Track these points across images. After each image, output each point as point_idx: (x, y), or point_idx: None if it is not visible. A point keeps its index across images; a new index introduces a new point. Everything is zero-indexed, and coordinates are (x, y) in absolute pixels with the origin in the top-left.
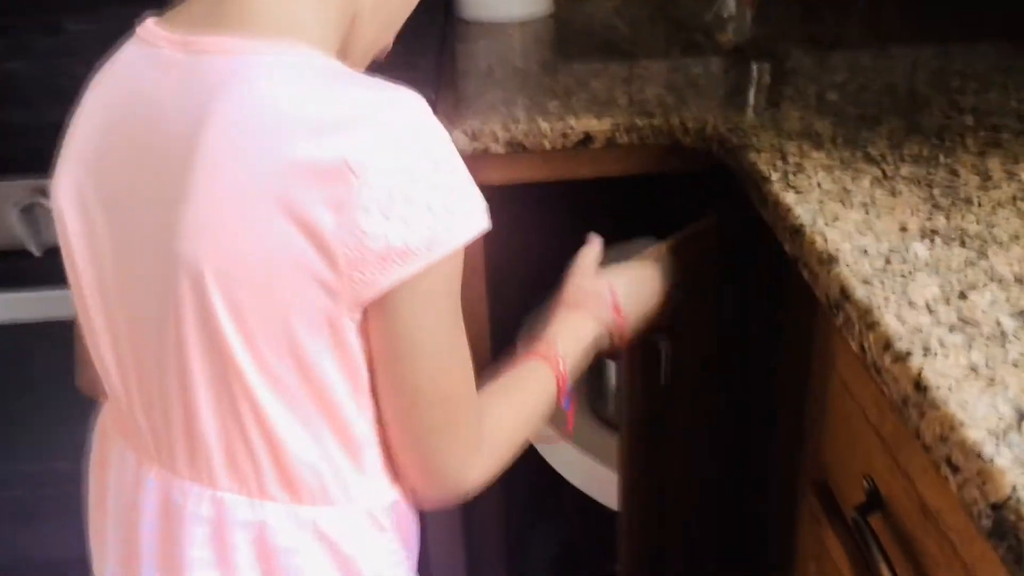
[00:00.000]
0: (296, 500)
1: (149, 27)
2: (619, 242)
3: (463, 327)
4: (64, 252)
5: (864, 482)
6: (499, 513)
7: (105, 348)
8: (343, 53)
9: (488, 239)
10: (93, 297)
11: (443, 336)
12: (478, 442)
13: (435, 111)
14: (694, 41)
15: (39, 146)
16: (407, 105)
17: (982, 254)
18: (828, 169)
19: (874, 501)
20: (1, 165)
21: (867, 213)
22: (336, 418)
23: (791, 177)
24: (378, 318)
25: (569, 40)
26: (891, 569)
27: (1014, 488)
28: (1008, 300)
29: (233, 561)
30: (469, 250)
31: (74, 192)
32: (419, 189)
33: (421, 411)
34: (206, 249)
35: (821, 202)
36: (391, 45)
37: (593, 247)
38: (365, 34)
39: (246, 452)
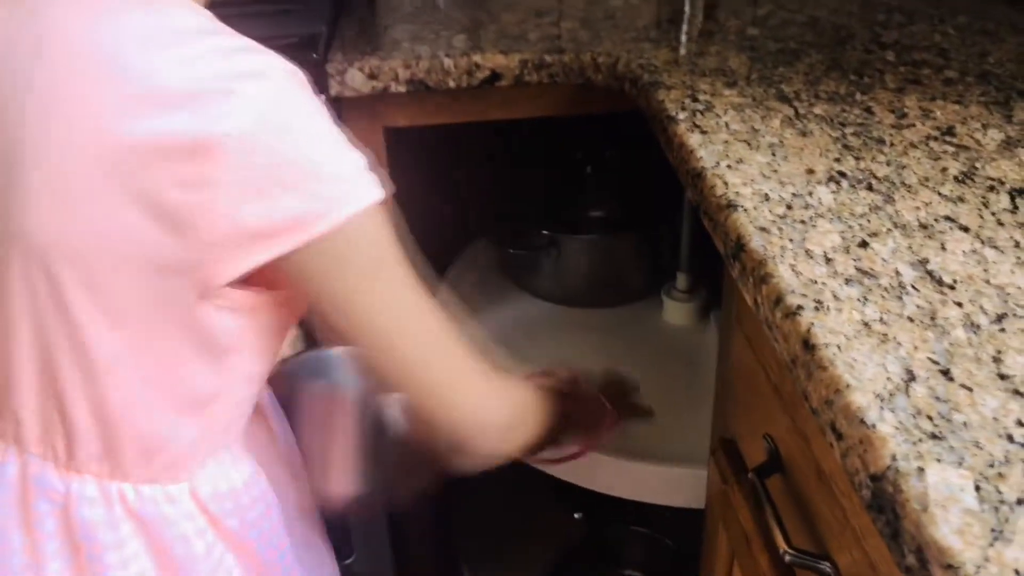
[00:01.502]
0: (111, 474)
1: None
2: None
3: (412, 282)
4: None
5: (765, 442)
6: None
7: None
8: None
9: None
10: None
11: (387, 299)
12: (484, 378)
13: (329, 47)
14: None
15: None
16: (271, 75)
17: (889, 198)
18: (739, 108)
19: (775, 462)
20: None
21: (773, 155)
22: (177, 397)
23: (698, 117)
24: (315, 296)
25: None
26: (784, 533)
27: (894, 457)
28: (910, 248)
29: (37, 528)
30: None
31: None
32: (281, 168)
33: (410, 367)
34: (42, 224)
35: (726, 143)
36: None
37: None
38: None
39: (60, 418)
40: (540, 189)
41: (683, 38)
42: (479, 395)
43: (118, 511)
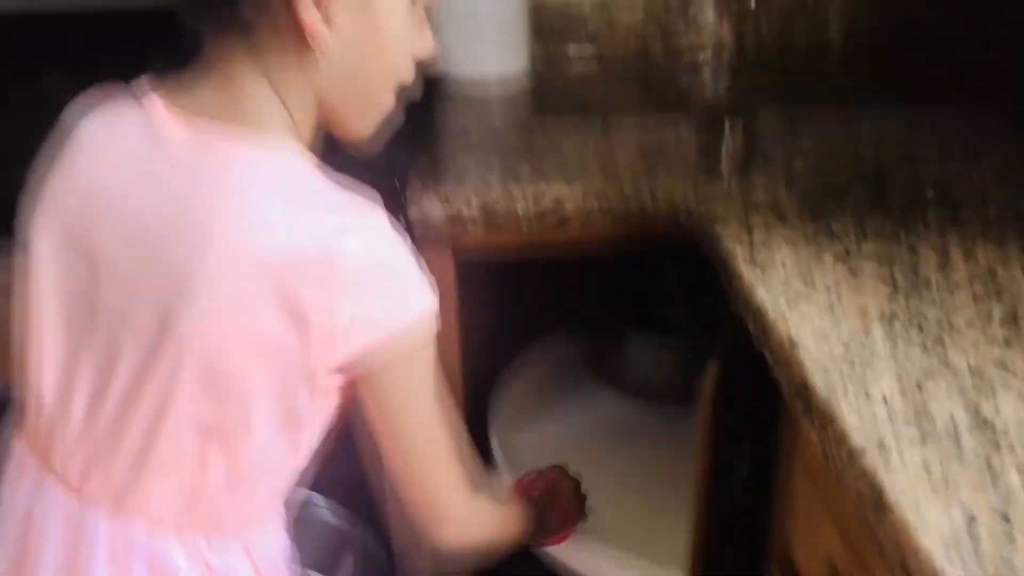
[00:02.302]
0: (192, 529)
1: (155, 103)
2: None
3: (438, 390)
4: (23, 277)
5: (826, 566)
6: None
7: (48, 367)
8: (332, 125)
9: (462, 309)
10: (51, 327)
11: (420, 396)
12: (460, 484)
13: (409, 175)
14: (668, 103)
15: None
16: (370, 209)
17: (939, 341)
18: (792, 244)
19: None
20: None
21: (829, 294)
22: (258, 468)
23: (755, 253)
24: (366, 385)
25: (544, 101)
26: None
27: None
28: (962, 392)
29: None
30: (443, 320)
31: (53, 233)
32: (381, 276)
33: (409, 453)
34: (203, 325)
35: (784, 281)
36: (392, 103)
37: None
38: (340, 111)
39: (168, 484)
40: (620, 283)
41: (727, 171)
42: (463, 501)
43: (197, 561)
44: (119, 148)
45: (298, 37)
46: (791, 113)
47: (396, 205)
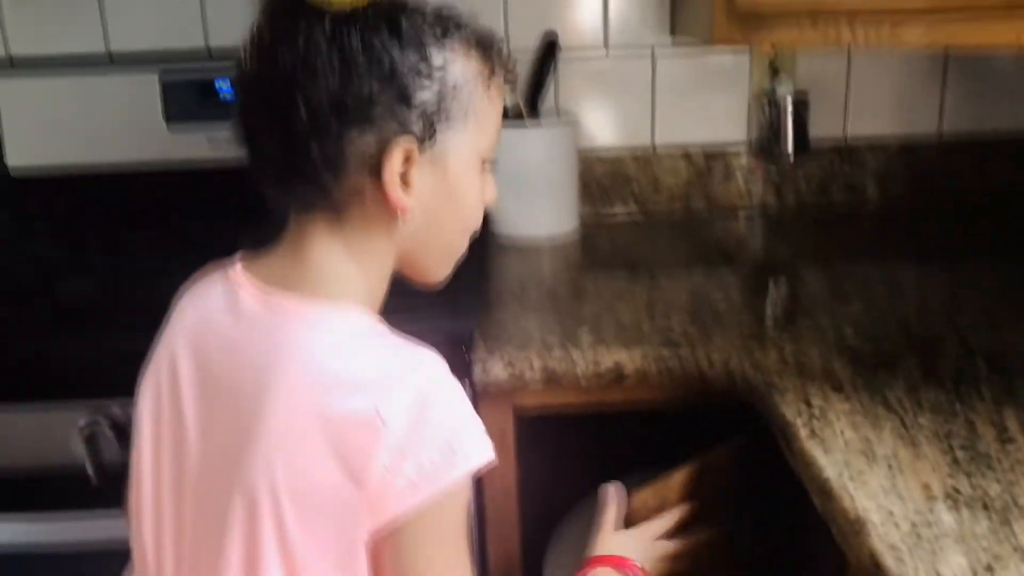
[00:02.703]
0: None
1: (238, 272)
2: (645, 471)
3: (466, 551)
4: (135, 453)
5: None
6: None
7: (147, 521)
8: (411, 273)
9: (521, 463)
10: (149, 484)
11: (449, 556)
12: None
13: (474, 338)
14: (712, 258)
15: (102, 369)
16: (425, 365)
17: (1005, 521)
18: (850, 416)
19: None
20: (65, 388)
21: (890, 469)
22: None
23: (816, 426)
24: (391, 541)
25: (596, 260)
26: None
27: None
28: None
29: None
30: (502, 473)
31: (148, 394)
32: (432, 434)
33: None
34: (267, 472)
35: (846, 458)
36: (465, 248)
37: (613, 504)
38: (420, 263)
39: None
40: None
41: (776, 334)
42: None
43: None
44: (205, 316)
45: (383, 208)
46: (832, 271)
47: (461, 367)
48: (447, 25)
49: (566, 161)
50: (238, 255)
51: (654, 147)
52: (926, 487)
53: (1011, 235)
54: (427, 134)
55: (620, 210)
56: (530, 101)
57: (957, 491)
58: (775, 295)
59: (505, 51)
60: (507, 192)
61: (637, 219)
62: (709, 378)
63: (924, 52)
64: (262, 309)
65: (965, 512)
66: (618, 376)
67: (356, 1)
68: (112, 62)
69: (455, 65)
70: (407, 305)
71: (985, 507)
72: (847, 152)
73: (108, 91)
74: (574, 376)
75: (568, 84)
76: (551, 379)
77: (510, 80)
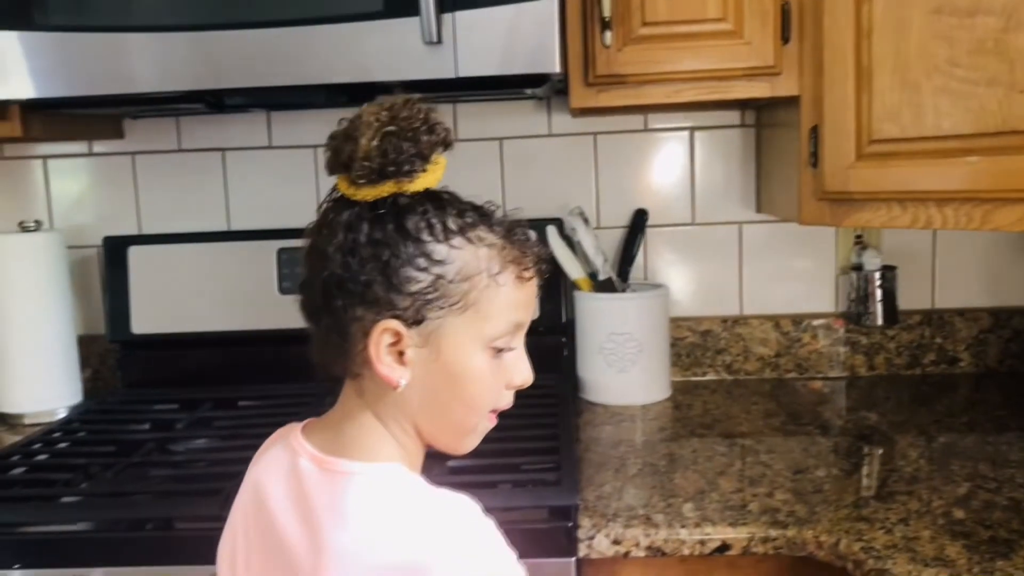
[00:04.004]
0: None
1: (299, 439)
2: None
3: None
4: None
5: None
6: None
7: None
8: (433, 444)
9: None
10: None
11: None
12: None
13: (577, 511)
14: (809, 429)
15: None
16: (461, 513)
17: None
18: None
19: None
20: (188, 552)
21: None
22: None
23: None
24: None
25: (690, 426)
26: None
27: None
28: None
29: None
30: None
31: (227, 559)
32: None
33: None
34: None
35: None
36: (486, 418)
37: None
38: (433, 435)
39: None
40: None
41: (880, 509)
42: None
43: None
44: (271, 476)
45: (384, 380)
46: (928, 440)
47: (566, 543)
48: (463, 220)
49: (654, 326)
50: (303, 423)
51: (743, 314)
52: None
53: None
54: (416, 317)
55: (711, 377)
56: (620, 270)
57: None
58: (872, 465)
59: (532, 243)
60: (596, 365)
61: (726, 382)
62: (814, 554)
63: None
64: (316, 474)
65: None
66: (720, 549)
67: (376, 194)
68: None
69: (459, 258)
70: (498, 468)
71: None
72: (938, 320)
73: (229, 260)
74: (676, 549)
75: (655, 251)
76: (654, 552)
77: (539, 270)
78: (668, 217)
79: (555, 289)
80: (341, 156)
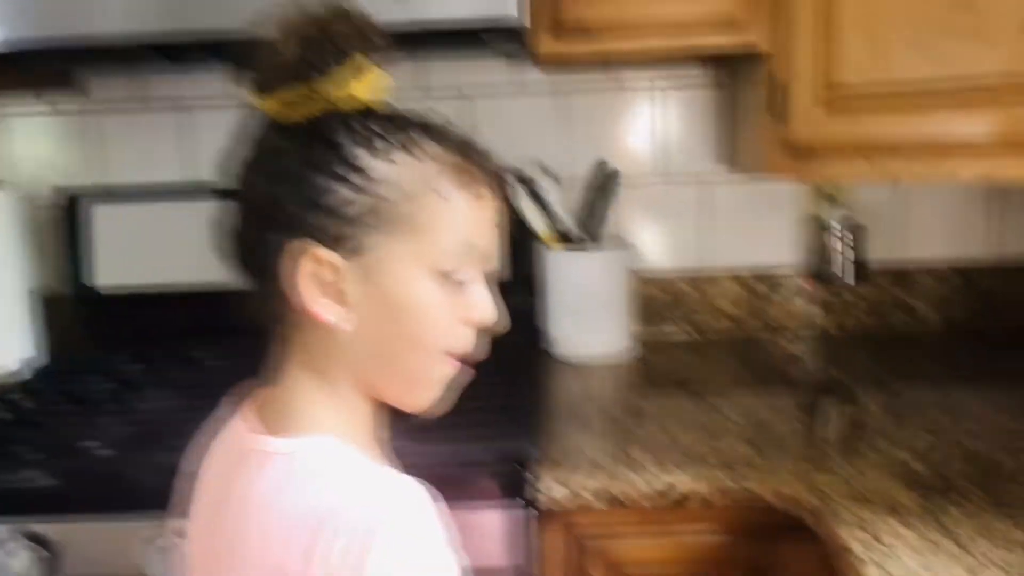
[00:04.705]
0: None
1: (246, 410)
2: None
3: None
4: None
5: None
6: None
7: None
8: (387, 400)
9: None
10: None
11: None
12: None
13: (531, 458)
14: (766, 379)
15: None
16: (403, 492)
17: None
18: (912, 546)
19: None
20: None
21: None
22: None
23: (878, 555)
24: None
25: (648, 376)
26: None
27: None
28: None
29: None
30: None
31: (189, 530)
32: (391, 557)
33: None
34: None
35: None
36: (445, 363)
37: None
38: (385, 389)
39: None
40: None
41: (836, 457)
42: None
43: None
44: (219, 444)
45: (321, 325)
46: (890, 394)
47: (517, 487)
48: (406, 135)
49: (619, 283)
50: (259, 382)
51: (708, 269)
52: None
53: None
54: (354, 246)
55: (673, 330)
56: (587, 226)
57: None
58: (834, 419)
59: (488, 159)
60: (559, 313)
61: (693, 340)
62: (772, 504)
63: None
64: (237, 451)
65: None
66: (679, 500)
67: (306, 112)
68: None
69: (401, 176)
70: (460, 423)
71: None
72: (903, 276)
73: (193, 215)
74: (634, 500)
75: (624, 209)
76: (612, 503)
77: (497, 190)
78: (637, 175)
79: (522, 245)
80: (260, 71)
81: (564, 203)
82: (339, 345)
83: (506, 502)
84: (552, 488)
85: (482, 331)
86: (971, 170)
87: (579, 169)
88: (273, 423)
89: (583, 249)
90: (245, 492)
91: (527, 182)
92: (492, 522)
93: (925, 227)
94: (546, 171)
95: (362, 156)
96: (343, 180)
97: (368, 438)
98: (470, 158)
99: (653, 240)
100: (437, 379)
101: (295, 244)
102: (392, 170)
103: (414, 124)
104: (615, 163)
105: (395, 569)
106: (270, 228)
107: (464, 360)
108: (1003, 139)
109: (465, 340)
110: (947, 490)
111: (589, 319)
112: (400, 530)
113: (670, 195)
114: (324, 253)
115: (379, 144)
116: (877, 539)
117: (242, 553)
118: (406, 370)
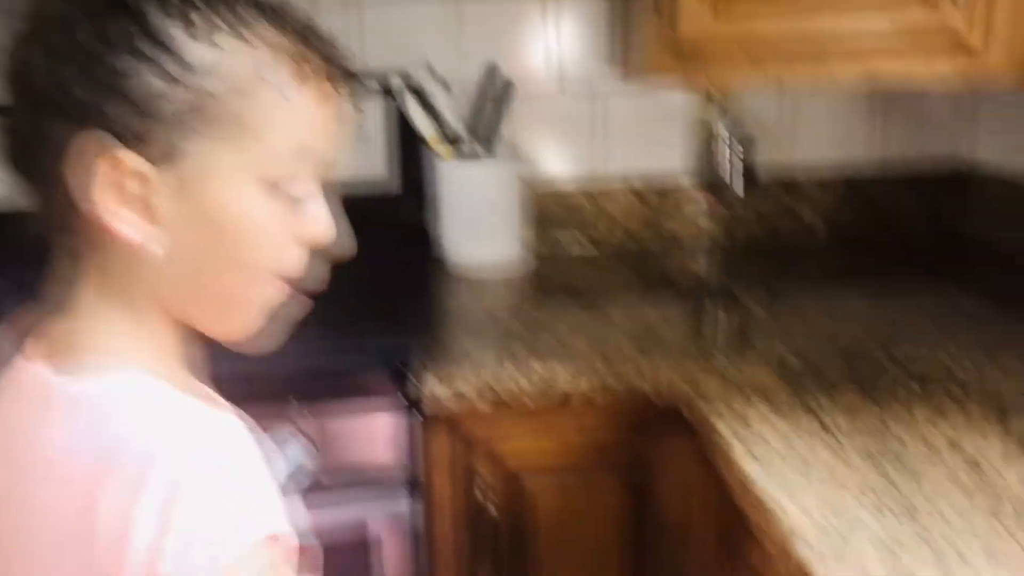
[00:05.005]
0: None
1: (31, 345)
2: None
3: None
4: None
5: None
6: None
7: None
8: (201, 328)
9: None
10: None
11: None
12: None
13: (410, 356)
14: (658, 285)
15: None
16: (216, 425)
17: (924, 528)
18: (785, 435)
19: None
20: None
21: (822, 485)
22: None
23: (751, 443)
24: None
25: (540, 284)
26: None
27: None
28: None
29: None
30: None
31: None
32: (199, 498)
33: None
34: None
35: (779, 473)
36: (271, 285)
37: None
38: (196, 312)
39: None
40: None
41: (717, 354)
42: None
43: None
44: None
45: (125, 247)
46: (774, 298)
47: (398, 386)
48: (234, 15)
49: (513, 193)
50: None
51: (603, 180)
52: (857, 501)
53: (948, 262)
54: (167, 150)
55: (567, 238)
56: (480, 135)
57: (886, 507)
58: (718, 322)
59: (334, 48)
60: (449, 217)
61: (588, 252)
62: (652, 399)
63: (863, 88)
64: (31, 391)
65: (890, 518)
66: (563, 399)
67: None
68: None
69: (228, 64)
70: (347, 327)
71: (910, 515)
72: (792, 186)
73: None
74: (517, 398)
75: (517, 118)
76: (496, 403)
77: (338, 85)
78: (530, 83)
79: (411, 152)
80: None
81: (455, 110)
82: (145, 268)
83: (390, 402)
84: (436, 388)
85: (317, 252)
86: (851, 70)
87: (470, 75)
88: (65, 360)
89: (476, 159)
90: (36, 441)
91: (415, 87)
92: (377, 424)
93: (812, 134)
94: (435, 75)
95: (175, 34)
96: (151, 63)
97: (178, 368)
98: (312, 46)
99: (547, 150)
100: (259, 305)
101: (86, 139)
102: (216, 56)
103: (246, 1)
104: (508, 71)
105: (204, 523)
106: (52, 118)
107: (295, 285)
108: (881, 39)
109: (296, 262)
110: (819, 381)
111: (482, 230)
112: (210, 479)
113: (564, 105)
114: (127, 157)
115: (197, 19)
116: (748, 425)
117: (35, 510)
118: (224, 294)
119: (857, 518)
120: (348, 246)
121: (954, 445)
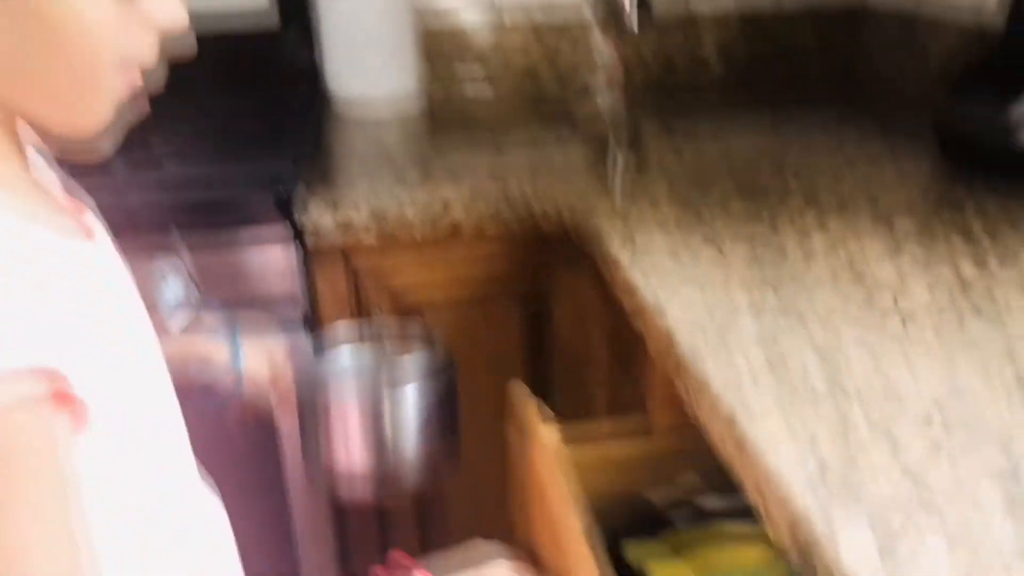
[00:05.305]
0: None
1: None
2: None
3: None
4: None
5: None
6: None
7: None
8: (38, 127)
9: None
10: None
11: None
12: None
13: (295, 184)
14: (556, 119)
15: None
16: None
17: (801, 319)
18: (671, 249)
19: None
20: None
21: (704, 290)
22: None
23: (638, 257)
24: None
25: (435, 120)
26: None
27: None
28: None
29: None
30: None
31: None
32: None
33: None
34: None
35: (662, 281)
36: (118, 75)
37: None
38: (32, 110)
39: None
40: None
41: (609, 173)
42: None
43: None
44: None
45: None
46: (672, 124)
47: (283, 213)
48: None
49: (403, 25)
50: None
51: (500, 12)
52: (736, 303)
53: (842, 97)
54: None
55: (463, 72)
56: None
57: (766, 306)
58: (614, 153)
59: None
60: (335, 48)
61: (481, 82)
62: (543, 226)
63: None
64: None
65: (767, 317)
66: (452, 229)
67: None
68: None
69: None
70: (226, 153)
71: (785, 313)
72: (689, 23)
73: None
74: (404, 220)
75: None
76: (381, 224)
77: None
78: None
79: None
80: None
81: None
82: None
83: (277, 232)
84: (323, 216)
85: (165, 38)
86: None
87: None
88: None
89: None
90: None
91: None
92: (267, 256)
93: None
94: None
95: None
96: None
97: (11, 173)
98: None
99: None
100: (105, 96)
101: None
102: None
103: None
104: None
105: None
106: None
107: (138, 88)
108: None
109: (144, 49)
110: (708, 198)
111: (370, 65)
112: None
113: None
114: None
115: None
116: (639, 246)
117: None
118: (62, 87)
119: (735, 316)
120: (191, 45)
121: (835, 246)
